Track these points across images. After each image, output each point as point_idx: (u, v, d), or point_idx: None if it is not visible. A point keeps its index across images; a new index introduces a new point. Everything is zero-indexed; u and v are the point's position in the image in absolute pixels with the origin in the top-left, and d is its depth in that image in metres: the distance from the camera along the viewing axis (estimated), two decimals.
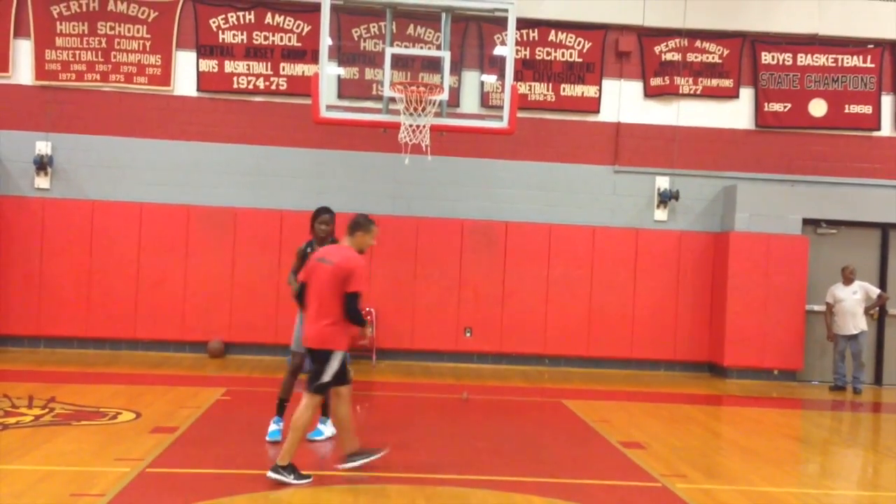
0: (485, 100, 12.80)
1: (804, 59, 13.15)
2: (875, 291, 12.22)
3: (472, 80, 12.82)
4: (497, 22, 12.06)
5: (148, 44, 12.36)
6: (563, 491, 6.10)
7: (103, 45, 12.31)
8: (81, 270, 12.20)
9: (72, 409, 8.18)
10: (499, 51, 12.40)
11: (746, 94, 13.22)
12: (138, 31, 12.34)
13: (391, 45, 9.25)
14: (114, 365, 11.09)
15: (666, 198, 13.02)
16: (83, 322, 12.10)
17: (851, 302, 12.02)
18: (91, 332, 12.10)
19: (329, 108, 9.18)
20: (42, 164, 12.18)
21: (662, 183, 13.11)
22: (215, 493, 5.62)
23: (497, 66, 12.62)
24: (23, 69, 12.32)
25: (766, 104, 13.18)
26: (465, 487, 6.04)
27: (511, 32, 8.94)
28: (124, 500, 5.38)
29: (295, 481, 5.85)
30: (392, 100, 9.17)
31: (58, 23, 12.25)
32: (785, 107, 13.17)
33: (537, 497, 5.88)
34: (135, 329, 12.22)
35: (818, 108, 13.24)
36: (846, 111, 13.21)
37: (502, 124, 9.16)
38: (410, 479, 6.17)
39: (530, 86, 12.89)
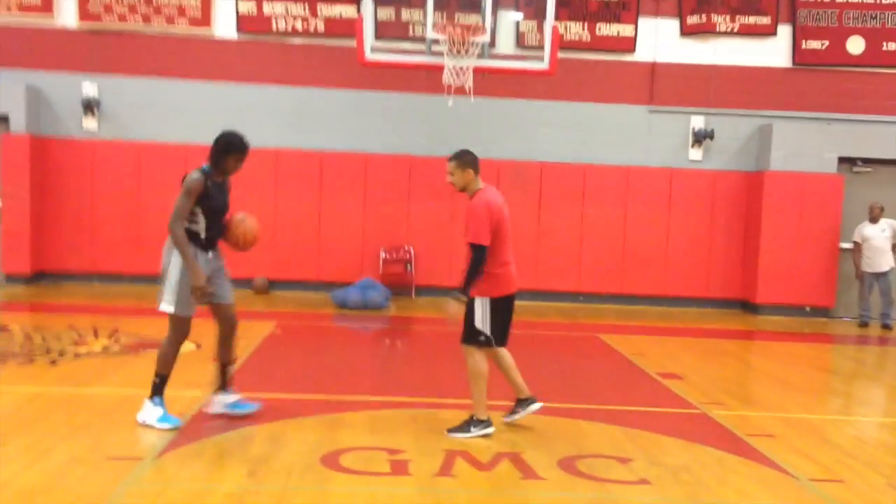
0: (520, 40, 12.86)
1: None
2: None
3: (507, 21, 12.87)
4: None
5: None
6: (606, 416, 6.44)
7: None
8: (130, 209, 12.59)
9: (136, 339, 8.63)
10: None
11: (784, 31, 13.18)
12: None
13: None
14: None
15: (701, 137, 13.13)
16: (133, 259, 12.53)
17: (880, 239, 12.17)
18: (141, 268, 12.49)
19: (373, 50, 9.33)
20: (89, 106, 12.50)
21: (697, 122, 13.20)
22: (284, 414, 6.02)
23: (532, 5, 12.68)
24: (67, 12, 12.54)
25: (803, 41, 13.14)
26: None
27: None
28: (201, 420, 5.80)
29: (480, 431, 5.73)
30: (434, 41, 9.33)
31: None
32: (823, 44, 13.14)
33: (584, 422, 6.23)
34: None
35: (856, 45, 13.19)
36: (884, 48, 13.14)
37: (543, 65, 9.32)
38: (462, 404, 6.53)
39: (566, 25, 12.93)
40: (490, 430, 5.74)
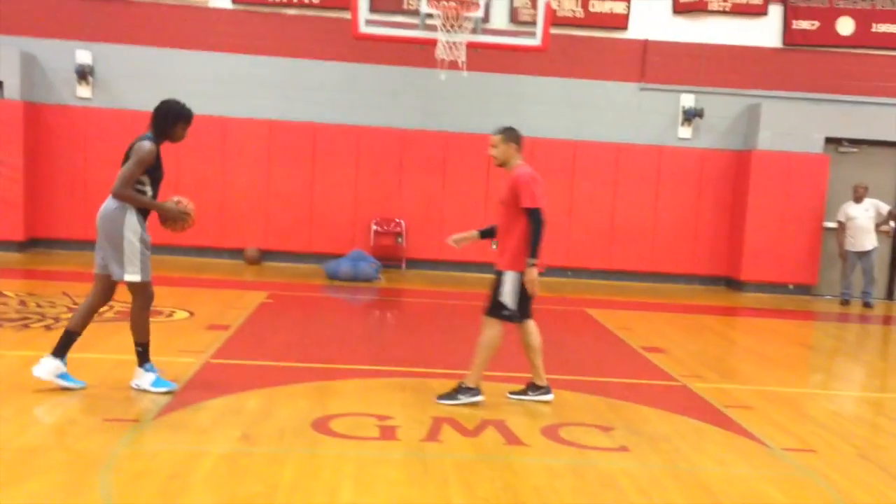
0: (514, 15, 12.91)
1: None
2: (885, 208, 12.55)
3: None
4: None
5: None
6: (590, 387, 6.64)
7: None
8: None
9: (129, 305, 8.73)
10: None
11: (775, 11, 13.28)
12: None
13: None
14: (159, 269, 11.50)
15: (690, 115, 13.26)
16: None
17: (864, 219, 12.37)
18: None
19: (367, 23, 9.39)
20: (83, 74, 12.52)
21: (687, 101, 13.32)
22: (276, 381, 6.18)
23: None
24: None
25: (794, 21, 13.25)
26: (500, 383, 6.55)
27: None
28: (195, 385, 5.95)
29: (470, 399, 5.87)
30: (427, 15, 9.40)
31: None
32: (813, 24, 13.24)
33: (568, 392, 6.42)
34: (176, 235, 12.72)
35: (846, 26, 13.30)
36: (873, 30, 13.26)
37: (535, 41, 9.42)
38: (449, 374, 6.70)
39: (559, 1, 12.98)
40: (479, 398, 5.89)
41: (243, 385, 6.01)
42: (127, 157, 5.50)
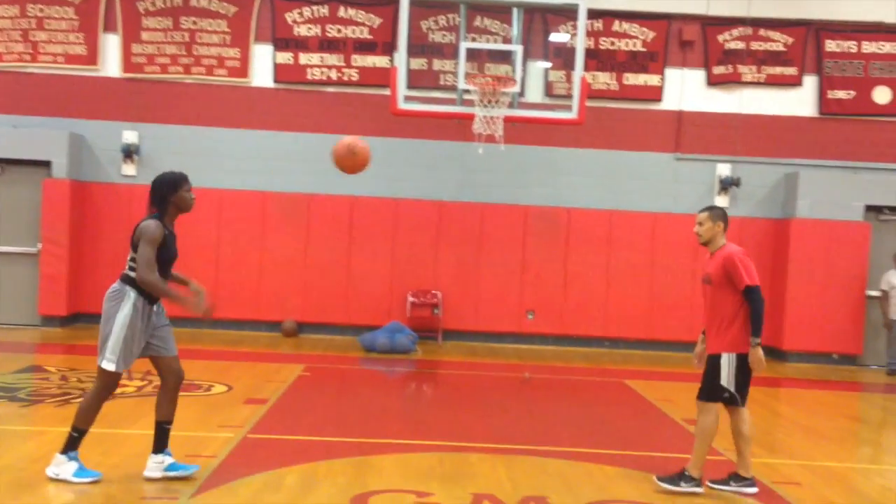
0: (549, 89, 13.11)
1: (869, 47, 13.21)
2: None
3: (536, 70, 13.11)
4: (561, 12, 12.45)
5: (228, 38, 12.96)
6: (633, 462, 6.50)
7: (186, 38, 12.94)
8: None
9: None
10: (560, 39, 12.77)
11: (810, 81, 13.33)
12: (219, 26, 12.94)
13: (464, 39, 9.63)
14: (197, 342, 11.76)
15: (727, 184, 13.23)
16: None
17: None
18: (174, 311, 12.67)
19: (406, 99, 9.60)
20: (129, 153, 12.88)
21: (724, 170, 13.31)
22: (314, 457, 6.15)
23: (561, 56, 12.96)
24: (111, 62, 13.02)
25: (829, 91, 13.27)
26: (541, 457, 6.48)
27: (581, 25, 9.28)
28: (234, 461, 5.94)
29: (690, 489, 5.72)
30: (465, 91, 9.59)
31: (143, 17, 12.91)
32: (849, 94, 13.26)
33: (609, 467, 6.30)
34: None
35: (882, 95, 13.29)
36: None
37: (572, 115, 9.53)
38: (489, 448, 6.63)
39: (594, 75, 13.16)
40: (699, 489, 5.67)
41: (282, 461, 5.99)
42: (133, 241, 5.28)
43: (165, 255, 5.34)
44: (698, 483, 5.69)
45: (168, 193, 5.37)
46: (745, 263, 5.68)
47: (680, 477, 5.70)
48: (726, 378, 5.66)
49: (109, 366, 5.25)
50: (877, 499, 5.86)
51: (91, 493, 5.14)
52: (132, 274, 5.28)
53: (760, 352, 5.61)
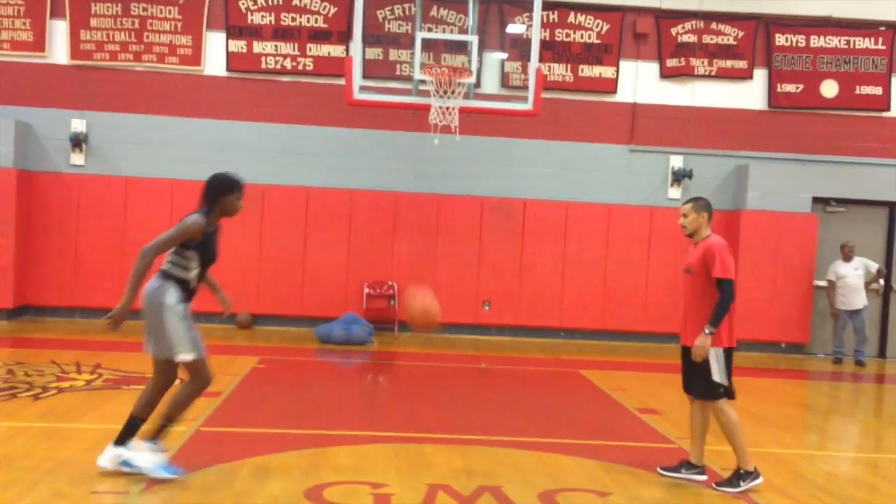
0: (505, 80, 13.14)
1: (817, 41, 13.46)
2: (874, 266, 12.66)
3: (492, 61, 13.14)
4: (516, 3, 12.47)
5: (179, 25, 12.74)
6: (586, 451, 6.56)
7: (136, 25, 12.69)
8: (115, 244, 12.64)
9: (118, 374, 8.68)
10: (516, 30, 12.80)
11: (760, 74, 13.54)
12: (170, 13, 12.71)
13: (420, 29, 9.60)
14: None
15: (680, 176, 13.40)
16: (117, 293, 12.29)
17: (854, 278, 12.45)
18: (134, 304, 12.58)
19: (361, 89, 9.54)
20: (77, 142, 12.62)
21: (677, 162, 13.48)
22: (268, 449, 6.10)
23: (517, 47, 12.99)
24: (58, 49, 12.73)
25: (779, 85, 13.50)
26: (496, 447, 6.51)
27: (537, 18, 9.31)
28: (186, 454, 5.86)
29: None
30: (421, 81, 9.56)
31: (92, 3, 12.62)
32: (797, 87, 13.50)
33: (564, 456, 6.35)
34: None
35: (830, 89, 13.56)
36: (857, 92, 13.52)
37: (527, 106, 9.56)
38: (444, 439, 6.64)
39: (549, 66, 13.21)
40: (759, 480, 5.67)
41: (235, 453, 5.93)
42: None
43: (205, 253, 5.28)
44: (756, 475, 5.70)
45: (220, 195, 5.33)
46: (724, 256, 5.73)
47: (738, 478, 5.68)
48: (718, 374, 5.69)
49: (188, 356, 5.19)
50: (822, 484, 6.00)
51: (39, 486, 5.03)
52: (169, 269, 5.22)
53: (709, 342, 5.63)
